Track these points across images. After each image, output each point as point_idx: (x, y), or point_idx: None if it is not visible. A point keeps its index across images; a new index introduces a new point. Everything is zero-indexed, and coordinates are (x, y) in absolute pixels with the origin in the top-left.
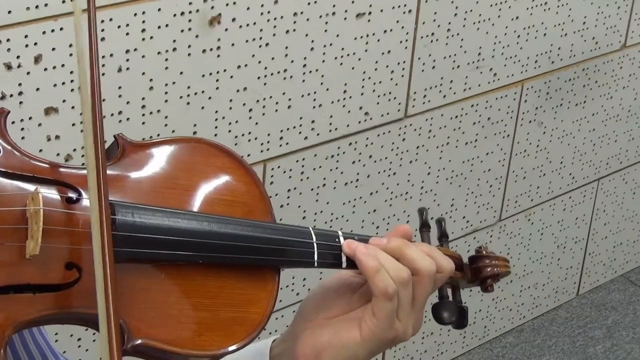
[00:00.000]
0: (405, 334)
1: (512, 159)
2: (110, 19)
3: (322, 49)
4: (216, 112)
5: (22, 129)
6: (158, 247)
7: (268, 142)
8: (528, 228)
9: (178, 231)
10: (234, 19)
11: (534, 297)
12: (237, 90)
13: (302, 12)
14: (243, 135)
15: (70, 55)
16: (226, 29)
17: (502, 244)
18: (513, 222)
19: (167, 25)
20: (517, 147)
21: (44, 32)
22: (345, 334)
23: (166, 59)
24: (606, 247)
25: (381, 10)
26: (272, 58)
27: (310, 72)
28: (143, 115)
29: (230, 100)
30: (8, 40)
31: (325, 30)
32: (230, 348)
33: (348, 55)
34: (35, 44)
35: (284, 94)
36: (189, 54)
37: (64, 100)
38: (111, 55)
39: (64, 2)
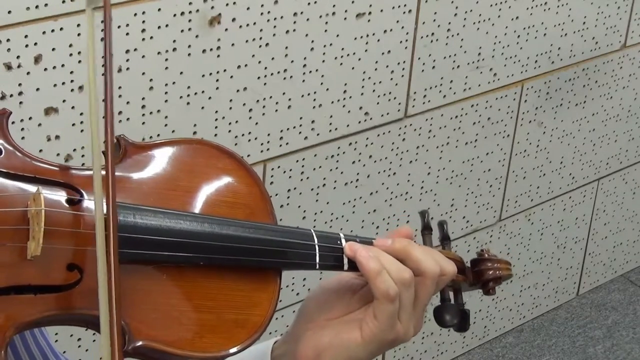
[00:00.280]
0: (406, 335)
1: (512, 159)
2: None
3: (322, 49)
4: (216, 112)
5: (22, 129)
6: (159, 248)
7: (268, 142)
8: (528, 228)
9: (179, 233)
10: (234, 19)
11: (534, 297)
12: (237, 90)
13: (302, 12)
14: (243, 135)
15: (70, 55)
16: (226, 29)
17: (502, 244)
18: (513, 222)
19: (167, 25)
20: (517, 147)
21: (44, 32)
22: (346, 335)
23: (166, 59)
24: (606, 247)
25: (381, 10)
26: (272, 58)
27: (310, 72)
28: (143, 115)
29: (230, 100)
30: (8, 40)
31: (325, 30)
32: (232, 350)
33: (348, 55)
34: (35, 44)
35: (284, 94)
36: (189, 54)
37: (64, 100)
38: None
39: (64, 2)
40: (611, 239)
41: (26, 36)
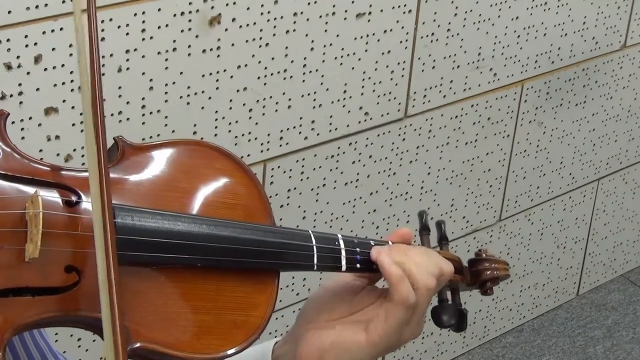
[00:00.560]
0: (407, 340)
1: (512, 159)
2: (110, 19)
3: (322, 49)
4: (216, 112)
5: (22, 129)
6: (157, 250)
7: (268, 142)
8: (528, 228)
9: (177, 234)
10: (234, 19)
11: (534, 297)
12: (237, 90)
13: (302, 12)
14: (243, 135)
15: (70, 55)
16: (226, 29)
17: (502, 244)
18: (513, 222)
19: (167, 25)
20: (517, 147)
21: (44, 32)
22: (349, 337)
23: (166, 59)
24: (606, 247)
25: (381, 10)
26: (272, 58)
27: (310, 72)
28: (143, 115)
29: (230, 100)
30: (8, 40)
31: (325, 30)
32: (230, 351)
33: (348, 55)
34: (35, 44)
35: (284, 94)
36: (189, 54)
37: (64, 100)
38: (111, 55)
39: (64, 2)
40: (611, 239)
41: (26, 36)
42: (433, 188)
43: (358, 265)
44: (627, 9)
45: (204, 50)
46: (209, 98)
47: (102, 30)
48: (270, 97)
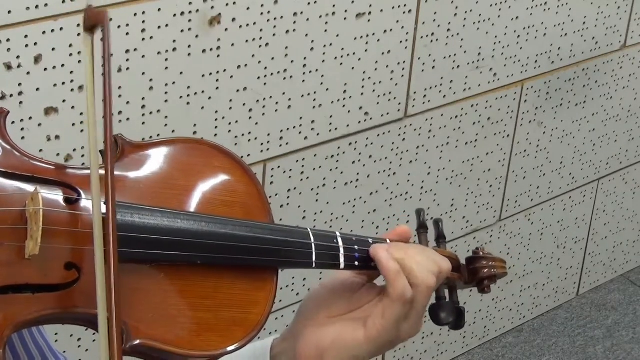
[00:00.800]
0: (406, 337)
1: (512, 159)
2: (110, 19)
3: (322, 49)
4: (216, 112)
5: (22, 129)
6: (157, 247)
7: (268, 142)
8: (528, 228)
9: (177, 232)
10: (234, 19)
11: (534, 297)
12: (237, 90)
13: (302, 12)
14: (243, 135)
15: (70, 55)
16: (226, 29)
17: (502, 244)
18: (513, 222)
19: (167, 25)
20: (517, 147)
21: (44, 32)
22: (349, 333)
23: (166, 59)
24: (606, 247)
25: (381, 10)
26: (272, 58)
27: (310, 72)
28: (143, 115)
29: (230, 100)
30: (8, 40)
31: (325, 30)
32: (229, 348)
33: (348, 55)
34: (35, 44)
35: (284, 94)
36: (189, 54)
37: (64, 100)
38: (111, 55)
39: (64, 2)
40: (611, 239)
41: (26, 36)
42: (433, 188)
43: (356, 263)
44: (627, 9)
45: (204, 50)
46: (209, 98)
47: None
48: (270, 97)
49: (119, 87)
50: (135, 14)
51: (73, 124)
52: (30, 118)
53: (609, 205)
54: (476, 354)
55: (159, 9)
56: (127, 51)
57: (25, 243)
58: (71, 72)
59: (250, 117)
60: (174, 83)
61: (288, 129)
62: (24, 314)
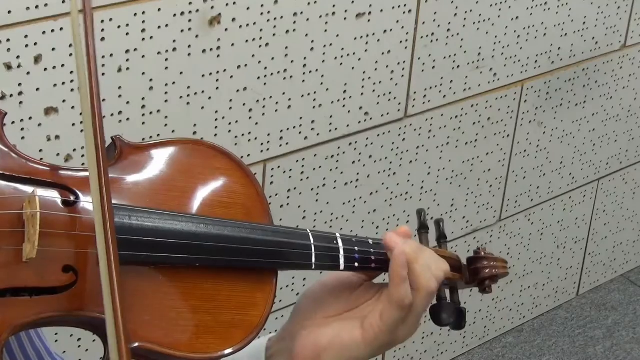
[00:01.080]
0: (404, 338)
1: (512, 159)
2: (110, 19)
3: (322, 49)
4: (216, 112)
5: (22, 129)
6: (155, 250)
7: (268, 142)
8: (528, 228)
9: (175, 234)
10: (234, 19)
11: (534, 297)
12: (237, 90)
13: (302, 12)
14: (243, 135)
15: (70, 55)
16: (226, 29)
17: (502, 244)
18: (513, 222)
19: (167, 25)
20: (517, 147)
21: (44, 32)
22: (346, 334)
23: (166, 59)
24: (606, 247)
25: (381, 10)
26: (272, 58)
27: (310, 72)
28: (143, 115)
29: (230, 100)
30: (8, 40)
31: (325, 30)
32: (228, 351)
33: (348, 55)
34: (35, 44)
35: (284, 94)
36: (189, 54)
37: (64, 100)
38: (111, 55)
39: (64, 2)
40: (611, 239)
41: (26, 36)
42: (433, 188)
43: (356, 264)
44: (627, 9)
45: (204, 50)
46: (209, 98)
47: (102, 30)
48: (270, 97)
49: (119, 87)
50: (135, 14)
51: (73, 124)
52: (30, 118)
53: (609, 205)
54: (476, 354)
55: (159, 9)
56: (127, 51)
57: (22, 246)
58: (71, 72)
59: (250, 117)
60: (174, 83)
61: (288, 129)
62: (21, 317)
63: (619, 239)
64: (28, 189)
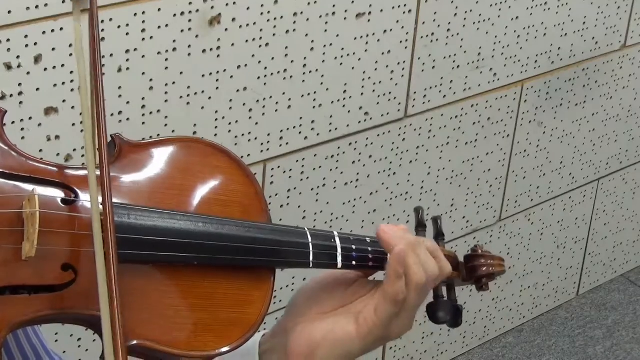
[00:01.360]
0: (399, 334)
1: (512, 159)
2: (110, 19)
3: (322, 49)
4: (216, 112)
5: (22, 129)
6: (153, 248)
7: (268, 142)
8: (528, 228)
9: (173, 232)
10: (234, 19)
11: (534, 297)
12: (237, 90)
13: (302, 12)
14: (243, 135)
15: (70, 55)
16: (226, 29)
17: (502, 244)
18: (513, 222)
19: (167, 25)
20: (517, 147)
21: (44, 32)
22: (340, 329)
23: (166, 59)
24: (606, 247)
25: (381, 10)
26: (272, 58)
27: (310, 72)
28: (143, 115)
29: (230, 100)
30: (8, 40)
31: (325, 30)
32: (225, 349)
33: (348, 55)
34: (35, 44)
35: (284, 94)
36: (189, 54)
37: (64, 100)
38: (111, 55)
39: (64, 2)
40: (611, 239)
41: (26, 36)
42: (433, 188)
43: (354, 263)
44: (627, 9)
45: (204, 50)
46: (209, 98)
47: (102, 30)
48: (270, 97)
49: (119, 87)
50: (135, 14)
51: (73, 124)
52: (30, 118)
53: (609, 205)
54: (476, 354)
55: (159, 9)
56: (127, 51)
57: (22, 245)
58: (71, 72)
59: (250, 117)
60: (174, 83)
61: (288, 129)
62: (20, 314)
63: (619, 239)
64: (28, 187)
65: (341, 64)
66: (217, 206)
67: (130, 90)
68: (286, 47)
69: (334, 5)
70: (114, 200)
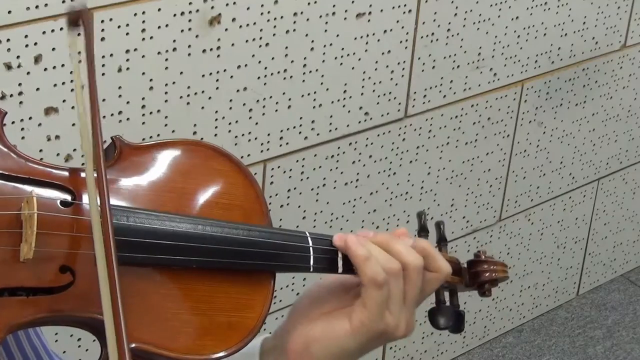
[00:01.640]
0: (397, 329)
1: (512, 159)
2: (110, 19)
3: (322, 49)
4: (216, 112)
5: (22, 129)
6: (153, 251)
7: (268, 142)
8: (528, 228)
9: (173, 235)
10: (234, 19)
11: (534, 297)
12: (237, 90)
13: (302, 12)
14: (243, 135)
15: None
16: (226, 29)
17: (502, 244)
18: (513, 222)
19: (167, 25)
20: (517, 147)
21: (44, 32)
22: (335, 326)
23: (166, 59)
24: (606, 247)
25: (381, 10)
26: (272, 58)
27: (310, 72)
28: (143, 115)
29: (230, 100)
30: (8, 40)
31: (325, 30)
32: (224, 352)
33: (348, 55)
34: (35, 44)
35: (284, 94)
36: (189, 54)
37: (64, 100)
38: (111, 55)
39: (64, 2)
40: (611, 239)
41: (26, 36)
42: (433, 188)
43: (354, 268)
44: (627, 9)
45: (204, 50)
46: (209, 98)
47: (102, 30)
48: (270, 97)
49: (119, 87)
50: (135, 14)
51: (73, 124)
52: (30, 118)
53: (609, 205)
54: (476, 354)
55: (159, 9)
56: (127, 51)
57: (20, 246)
58: (71, 72)
59: (250, 117)
60: (174, 83)
61: (288, 129)
62: (18, 316)
63: (619, 239)
64: (27, 188)
65: (341, 64)
66: (218, 209)
67: (130, 90)
68: (286, 47)
69: (334, 5)
70: (113, 202)
